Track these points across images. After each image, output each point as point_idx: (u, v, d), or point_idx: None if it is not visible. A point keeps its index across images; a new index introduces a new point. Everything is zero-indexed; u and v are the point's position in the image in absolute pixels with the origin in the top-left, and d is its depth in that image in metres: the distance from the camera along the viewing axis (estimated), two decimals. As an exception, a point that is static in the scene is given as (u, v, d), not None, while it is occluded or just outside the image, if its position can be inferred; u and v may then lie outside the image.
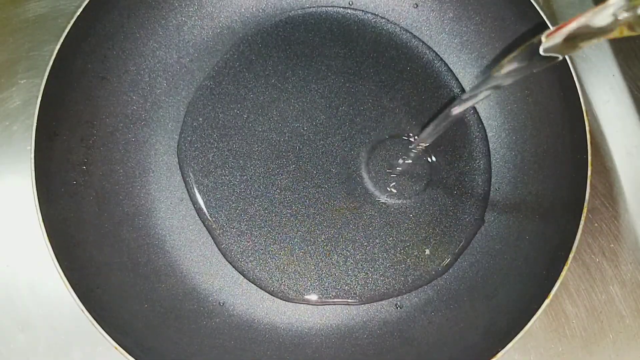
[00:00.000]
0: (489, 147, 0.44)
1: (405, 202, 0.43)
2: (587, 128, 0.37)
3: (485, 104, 0.45)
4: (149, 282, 0.39)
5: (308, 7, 0.46)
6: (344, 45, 0.45)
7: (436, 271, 0.41)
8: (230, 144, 0.42)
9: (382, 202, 0.42)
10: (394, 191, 0.43)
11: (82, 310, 0.33)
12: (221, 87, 0.43)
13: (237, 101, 0.43)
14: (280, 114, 0.43)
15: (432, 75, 0.45)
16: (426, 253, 0.42)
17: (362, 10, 0.46)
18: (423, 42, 0.45)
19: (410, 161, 0.43)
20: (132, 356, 0.33)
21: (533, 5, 0.39)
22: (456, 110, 0.36)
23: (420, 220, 0.42)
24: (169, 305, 0.39)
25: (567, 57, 0.38)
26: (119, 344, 0.33)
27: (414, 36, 0.46)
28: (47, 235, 0.34)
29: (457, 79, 0.45)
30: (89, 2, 0.38)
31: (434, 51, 0.45)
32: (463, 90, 0.45)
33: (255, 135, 0.42)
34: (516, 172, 0.43)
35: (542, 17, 0.39)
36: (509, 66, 0.30)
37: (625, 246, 0.43)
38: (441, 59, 0.45)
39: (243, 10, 0.45)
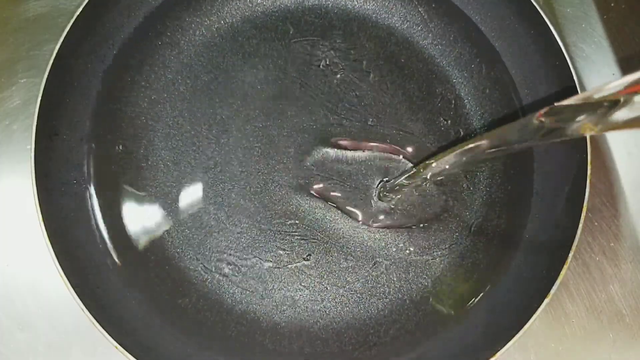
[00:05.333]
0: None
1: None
2: (587, 127, 0.37)
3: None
4: (149, 281, 0.39)
5: (308, 2, 0.46)
6: (344, 40, 0.45)
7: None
8: (231, 139, 0.42)
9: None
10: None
11: (82, 310, 0.33)
12: (219, 82, 0.43)
13: (236, 97, 0.43)
14: (280, 110, 0.43)
15: (433, 71, 0.45)
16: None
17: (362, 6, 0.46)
18: (423, 39, 0.45)
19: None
20: (132, 356, 0.33)
21: (533, 5, 0.39)
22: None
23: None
24: (169, 305, 0.39)
25: (567, 56, 0.38)
26: (119, 344, 0.33)
27: (415, 33, 0.46)
28: (47, 235, 0.34)
29: (457, 77, 0.45)
30: (89, 2, 0.38)
31: (435, 49, 0.45)
32: (463, 87, 0.45)
33: (255, 131, 0.42)
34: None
35: (542, 16, 0.39)
36: (438, 167, 0.34)
37: (625, 245, 0.43)
38: (441, 56, 0.45)
39: (242, 7, 0.45)
